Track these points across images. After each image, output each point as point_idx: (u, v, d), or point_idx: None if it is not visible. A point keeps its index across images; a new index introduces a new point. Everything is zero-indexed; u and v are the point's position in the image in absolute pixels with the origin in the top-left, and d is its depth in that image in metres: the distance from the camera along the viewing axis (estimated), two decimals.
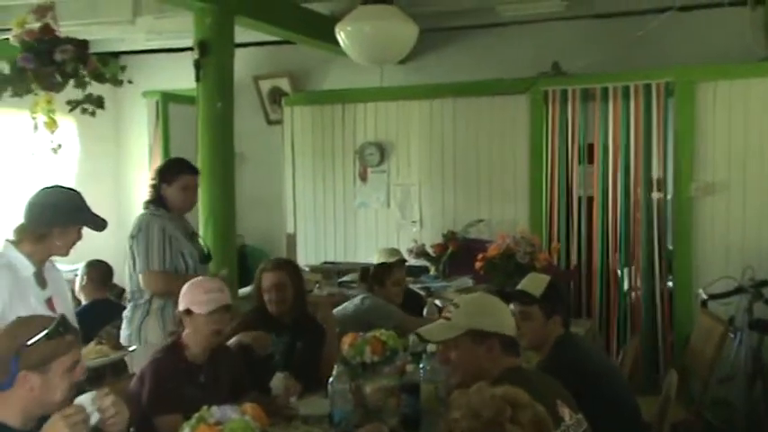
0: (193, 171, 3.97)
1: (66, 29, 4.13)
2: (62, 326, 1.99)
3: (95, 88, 4.14)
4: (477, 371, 2.30)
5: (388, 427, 2.68)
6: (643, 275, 5.44)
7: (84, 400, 1.93)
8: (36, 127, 3.97)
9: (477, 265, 4.86)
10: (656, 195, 5.42)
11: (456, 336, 2.36)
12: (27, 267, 2.78)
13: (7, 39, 3.98)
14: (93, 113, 4.11)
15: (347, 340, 3.10)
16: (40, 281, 2.83)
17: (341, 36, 4.24)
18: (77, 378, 2.02)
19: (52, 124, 4.01)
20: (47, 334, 1.94)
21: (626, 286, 5.54)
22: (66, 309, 2.92)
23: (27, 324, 1.98)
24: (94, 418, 1.91)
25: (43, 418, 1.92)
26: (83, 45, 3.99)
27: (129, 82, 4.13)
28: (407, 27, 4.21)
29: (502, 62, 6.01)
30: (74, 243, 2.87)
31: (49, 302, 2.82)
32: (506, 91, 5.83)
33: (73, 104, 4.04)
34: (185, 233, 3.89)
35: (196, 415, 2.06)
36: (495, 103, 5.91)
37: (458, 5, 5.55)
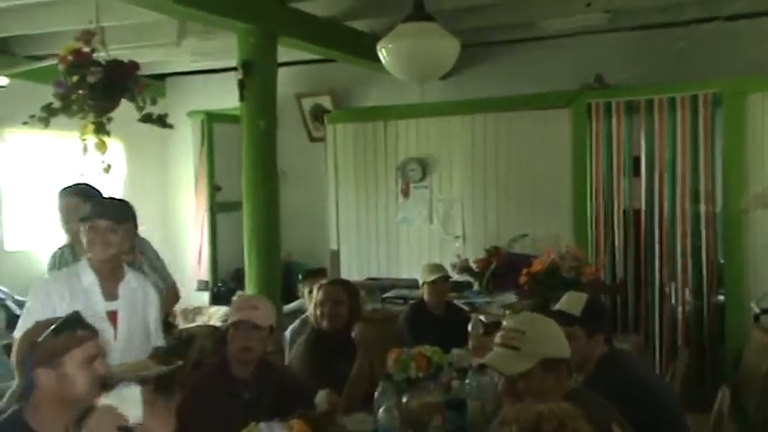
0: (61, 192, 3.52)
1: (113, 53, 4.24)
2: (72, 322, 2.04)
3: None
4: (544, 399, 2.23)
5: None
6: (692, 289, 5.34)
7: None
8: (86, 149, 4.06)
9: (522, 280, 4.82)
10: (704, 208, 5.32)
11: (531, 367, 2.25)
12: (88, 274, 2.83)
13: (55, 64, 4.10)
14: (108, 134, 4.13)
15: (392, 356, 3.09)
16: (107, 293, 2.85)
17: (382, 53, 4.25)
18: (99, 373, 2.05)
19: (102, 146, 4.11)
20: (54, 329, 2.00)
21: (674, 300, 5.44)
22: (132, 325, 2.89)
23: (42, 326, 2.05)
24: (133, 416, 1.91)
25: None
26: (124, 67, 4.07)
27: (154, 103, 4.19)
28: (449, 43, 4.21)
29: (543, 76, 5.99)
30: (91, 242, 2.81)
31: (112, 315, 2.84)
32: (549, 105, 5.80)
33: (97, 124, 4.08)
34: None
35: (244, 431, 2.07)
36: (537, 117, 5.88)
37: (499, 20, 5.54)
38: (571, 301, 2.96)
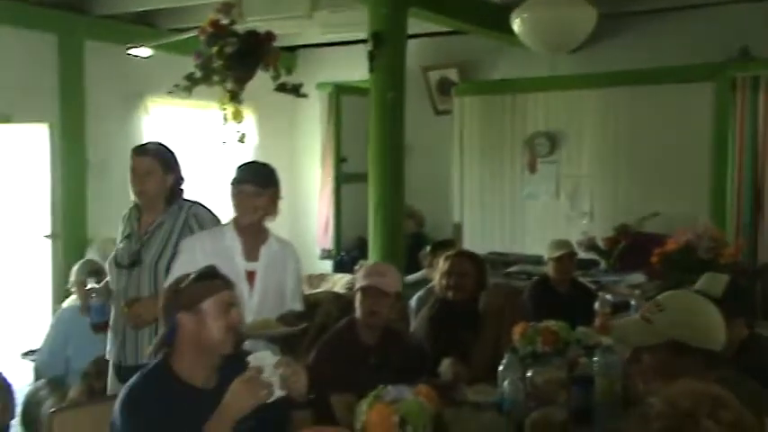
0: (136, 152, 3.13)
1: (249, 24, 4.37)
2: (209, 273, 2.16)
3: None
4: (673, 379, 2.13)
5: (559, 420, 2.63)
6: None
7: (263, 359, 2.04)
8: (226, 118, 4.23)
9: (653, 259, 4.63)
10: None
11: (655, 344, 2.14)
12: (231, 235, 2.93)
13: (196, 36, 4.28)
14: (240, 102, 4.26)
15: (518, 329, 3.06)
16: (248, 254, 2.93)
17: (516, 23, 4.18)
18: (234, 321, 2.14)
19: (238, 115, 4.27)
20: (195, 277, 2.13)
21: None
22: (269, 286, 2.94)
23: (182, 278, 2.20)
24: (275, 382, 2.00)
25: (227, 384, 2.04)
26: (260, 38, 4.18)
27: (289, 73, 4.29)
28: (585, 12, 4.09)
29: (683, 48, 5.70)
30: (237, 206, 2.88)
31: (250, 275, 2.92)
32: (689, 78, 5.54)
33: (232, 93, 4.21)
34: (138, 229, 3.15)
35: (372, 393, 2.11)
36: (675, 91, 5.62)
37: None
38: (711, 282, 2.82)
